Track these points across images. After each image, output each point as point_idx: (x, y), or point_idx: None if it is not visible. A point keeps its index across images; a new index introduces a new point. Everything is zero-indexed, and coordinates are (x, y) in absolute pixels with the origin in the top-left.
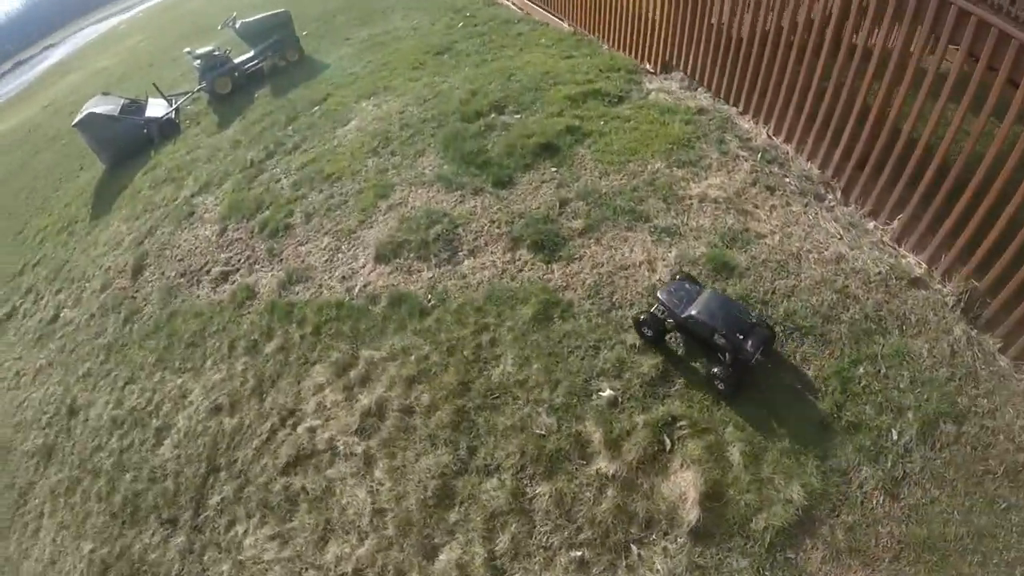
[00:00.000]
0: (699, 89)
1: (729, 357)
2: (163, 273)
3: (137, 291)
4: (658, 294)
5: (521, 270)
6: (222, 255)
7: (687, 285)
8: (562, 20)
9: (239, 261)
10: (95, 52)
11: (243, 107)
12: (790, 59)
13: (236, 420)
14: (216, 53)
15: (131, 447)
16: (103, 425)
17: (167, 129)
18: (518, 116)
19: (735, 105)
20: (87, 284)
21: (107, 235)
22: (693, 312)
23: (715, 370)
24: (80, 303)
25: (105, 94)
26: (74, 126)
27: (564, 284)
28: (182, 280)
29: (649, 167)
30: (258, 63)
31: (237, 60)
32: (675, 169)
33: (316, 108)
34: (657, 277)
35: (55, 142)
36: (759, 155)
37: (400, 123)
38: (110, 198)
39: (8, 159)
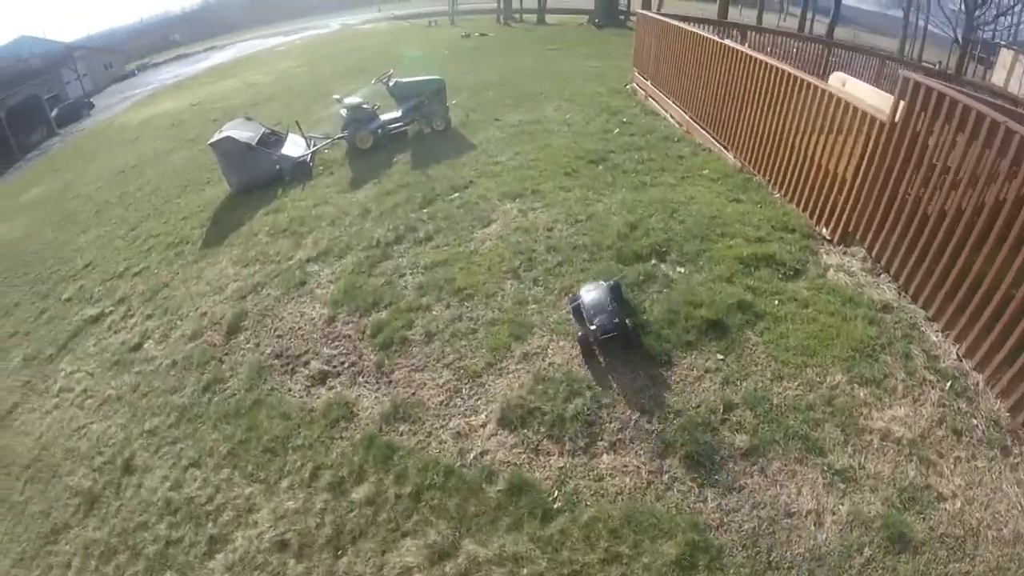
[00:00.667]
0: (882, 276)
1: None
2: (258, 344)
3: (227, 354)
4: None
5: (669, 488)
6: (325, 349)
7: None
8: (727, 150)
9: (343, 364)
10: (251, 65)
11: (380, 169)
12: (993, 256)
13: (302, 568)
14: (365, 106)
15: (179, 543)
16: (156, 502)
17: (299, 170)
18: (682, 270)
19: (924, 308)
20: (179, 323)
21: (213, 272)
22: None
23: None
24: (167, 342)
25: (248, 119)
26: (210, 145)
27: (717, 522)
28: (276, 362)
29: (829, 378)
30: (403, 125)
31: (384, 118)
32: (857, 387)
33: (456, 195)
34: (824, 536)
35: (193, 145)
36: (948, 384)
37: (547, 243)
38: (226, 229)
39: (145, 147)
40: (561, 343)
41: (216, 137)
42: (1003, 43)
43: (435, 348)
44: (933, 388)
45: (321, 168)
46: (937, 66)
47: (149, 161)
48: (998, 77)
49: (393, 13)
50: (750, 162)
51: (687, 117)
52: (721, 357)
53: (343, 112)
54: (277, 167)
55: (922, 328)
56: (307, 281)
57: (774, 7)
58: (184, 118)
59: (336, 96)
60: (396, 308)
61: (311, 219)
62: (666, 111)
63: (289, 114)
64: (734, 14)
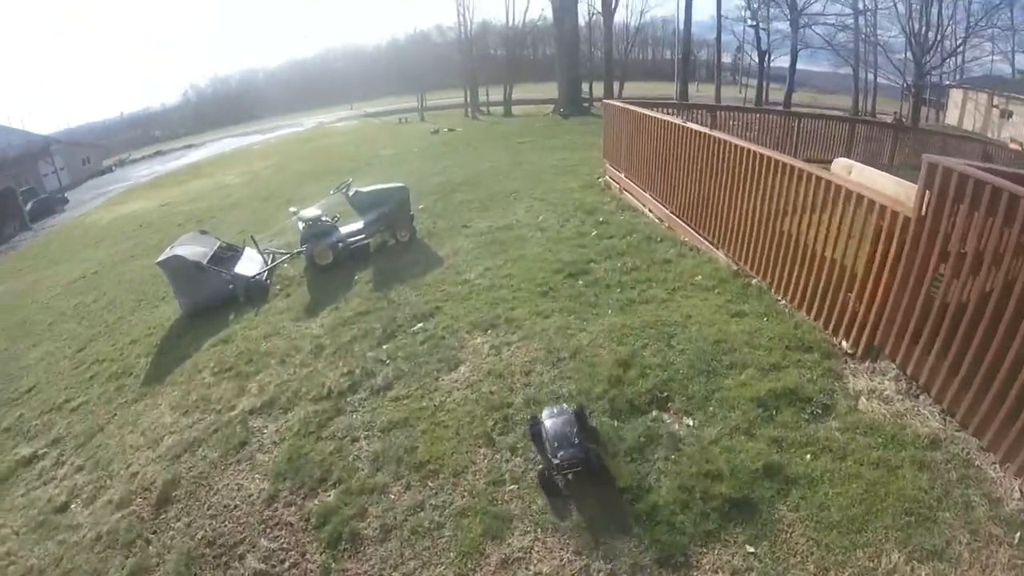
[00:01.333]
0: (922, 397)
1: None
2: (189, 524)
3: (155, 533)
4: None
5: None
6: (263, 540)
7: None
8: (718, 248)
9: (282, 563)
10: (226, 164)
11: (339, 291)
12: None
13: None
14: (323, 219)
15: None
16: None
17: (254, 290)
18: (690, 423)
19: (977, 436)
20: (108, 481)
21: (150, 419)
22: None
23: None
24: (94, 506)
25: (203, 232)
26: (157, 263)
27: None
28: (207, 552)
29: (884, 560)
30: (366, 238)
31: (344, 230)
32: (918, 565)
33: (420, 326)
34: None
35: (155, 252)
36: (1016, 535)
37: (525, 393)
38: (171, 362)
39: (109, 251)
40: (548, 541)
41: (164, 255)
42: (952, 83)
43: (392, 550)
44: (1000, 545)
45: (279, 288)
46: (895, 116)
47: (109, 269)
48: (951, 117)
49: (365, 111)
50: (746, 263)
51: (668, 212)
52: (752, 550)
53: (300, 226)
54: (230, 287)
55: (978, 463)
56: (248, 441)
57: (726, 80)
58: (152, 219)
59: (292, 208)
60: (347, 489)
61: (260, 355)
62: (644, 205)
63: (255, 220)
64: (692, 91)
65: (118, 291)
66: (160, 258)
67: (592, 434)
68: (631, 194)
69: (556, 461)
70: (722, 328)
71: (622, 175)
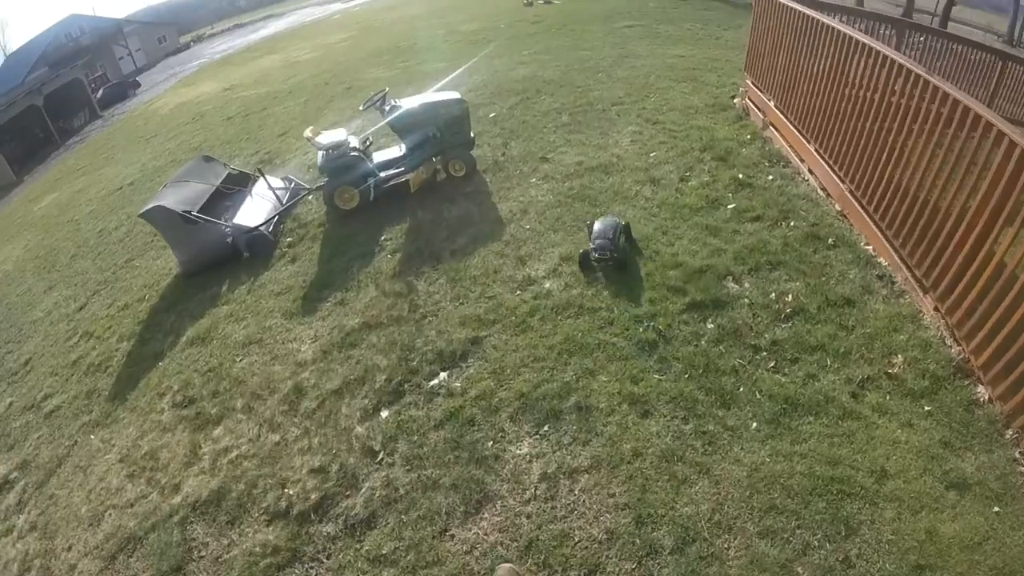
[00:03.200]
0: None
1: None
2: None
3: None
4: None
5: None
6: None
7: None
8: (923, 293)
9: None
10: (300, 38)
11: (353, 264)
12: None
13: None
14: (351, 146)
15: None
16: None
17: (256, 246)
18: None
19: None
20: (57, 552)
21: (99, 471)
22: None
23: None
24: None
25: (208, 159)
26: (140, 216)
27: None
28: None
29: None
30: (405, 171)
31: (377, 161)
32: None
33: (441, 378)
34: None
35: (194, 153)
36: None
37: None
38: (144, 361)
39: (154, 151)
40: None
41: (148, 205)
42: None
43: None
44: None
45: (288, 244)
46: None
47: (146, 178)
48: None
49: None
50: (982, 352)
51: (844, 190)
52: None
53: (320, 155)
54: (229, 239)
55: None
56: (183, 566)
57: None
58: (206, 109)
59: (307, 134)
60: None
61: (230, 383)
62: (802, 161)
63: (303, 116)
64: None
65: (129, 227)
66: (143, 208)
67: (630, 243)
68: (782, 134)
69: (592, 248)
70: (932, 526)
71: (771, 104)
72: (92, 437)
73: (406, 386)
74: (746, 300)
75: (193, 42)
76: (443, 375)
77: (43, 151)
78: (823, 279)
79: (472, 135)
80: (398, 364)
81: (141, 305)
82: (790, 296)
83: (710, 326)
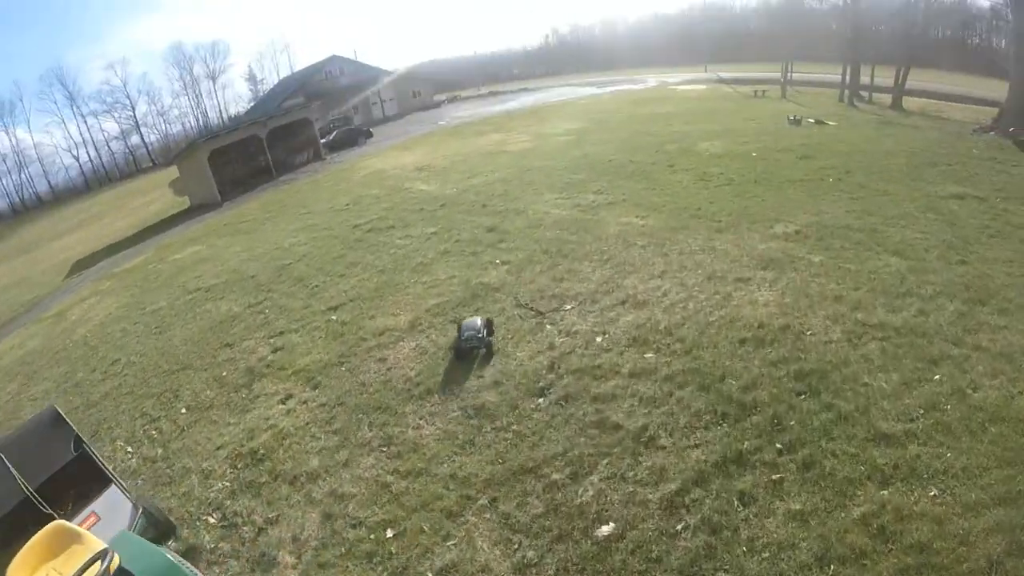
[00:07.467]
0: None
1: None
2: None
3: None
4: None
5: None
6: None
7: None
8: None
9: None
10: (532, 119)
11: None
12: None
13: None
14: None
15: None
16: None
17: None
18: None
19: None
20: None
21: None
22: None
23: None
24: None
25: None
26: None
27: None
28: None
29: None
30: None
31: None
32: None
33: None
34: None
35: (337, 263)
36: None
37: None
38: None
39: (307, 225)
40: None
41: None
42: None
43: None
44: None
45: None
46: None
47: (269, 263)
48: None
49: (719, 75)
50: None
51: None
52: None
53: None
54: None
55: None
56: None
57: None
58: (367, 195)
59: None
60: None
61: None
62: None
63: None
64: None
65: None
66: None
67: (492, 334)
68: None
69: (462, 340)
70: None
71: None
72: None
73: None
74: None
75: (447, 101)
76: None
77: (256, 179)
78: None
79: None
80: None
81: None
82: None
83: None
